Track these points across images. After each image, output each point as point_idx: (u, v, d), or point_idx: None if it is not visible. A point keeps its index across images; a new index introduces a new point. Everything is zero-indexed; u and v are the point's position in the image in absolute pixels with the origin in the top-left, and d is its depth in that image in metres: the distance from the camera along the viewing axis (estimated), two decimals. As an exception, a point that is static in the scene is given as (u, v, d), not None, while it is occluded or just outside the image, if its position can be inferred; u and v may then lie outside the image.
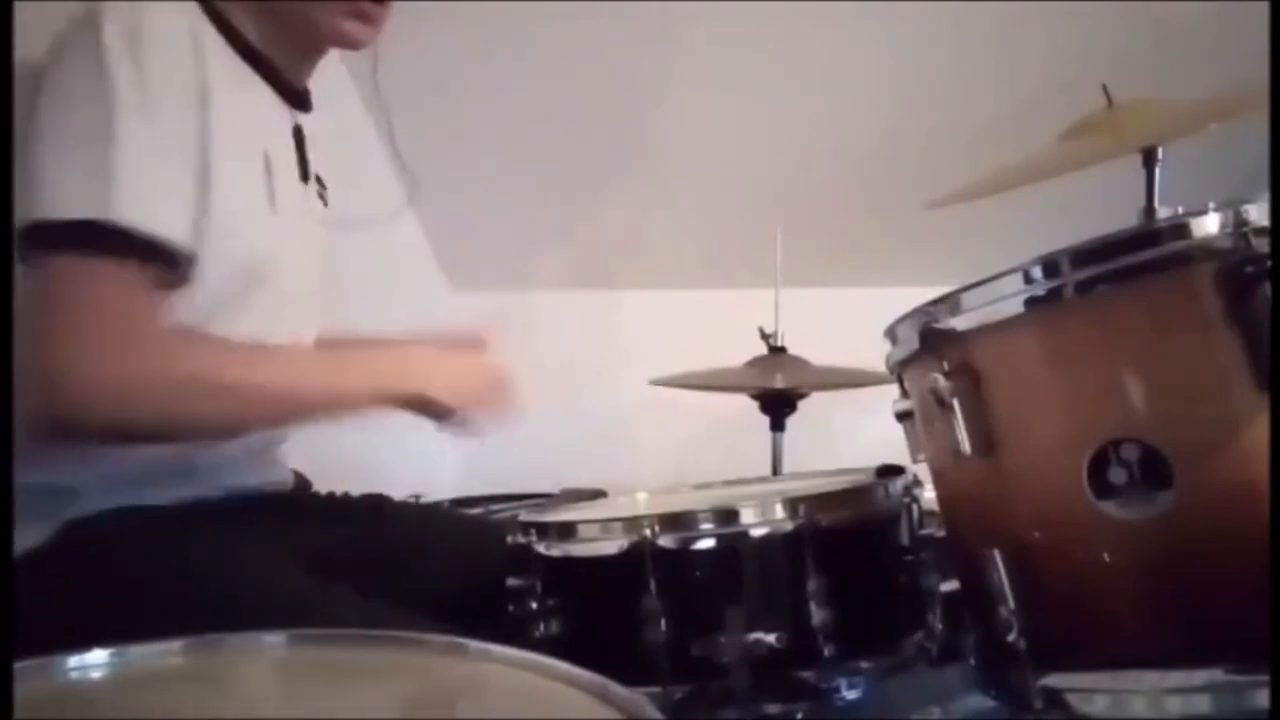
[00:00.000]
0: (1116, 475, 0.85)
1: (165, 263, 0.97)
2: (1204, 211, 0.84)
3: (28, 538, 1.00)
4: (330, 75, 1.25)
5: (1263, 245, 0.81)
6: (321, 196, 1.25)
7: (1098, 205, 1.34)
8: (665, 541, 1.02)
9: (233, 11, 1.09)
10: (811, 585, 1.00)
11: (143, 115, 0.96)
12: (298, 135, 1.11)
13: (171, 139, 0.98)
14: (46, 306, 0.93)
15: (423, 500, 1.79)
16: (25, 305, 0.94)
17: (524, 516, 1.16)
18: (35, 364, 0.91)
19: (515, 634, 1.05)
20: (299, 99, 1.19)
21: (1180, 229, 0.85)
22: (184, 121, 0.99)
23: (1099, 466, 0.86)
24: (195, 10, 1.06)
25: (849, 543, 1.06)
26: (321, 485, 1.33)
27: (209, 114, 1.01)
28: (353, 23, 1.10)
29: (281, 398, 1.03)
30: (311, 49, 1.17)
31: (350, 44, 1.13)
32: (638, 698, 0.56)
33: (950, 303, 0.94)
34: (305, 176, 1.13)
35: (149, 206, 0.95)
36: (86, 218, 0.92)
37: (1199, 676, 0.83)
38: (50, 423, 0.93)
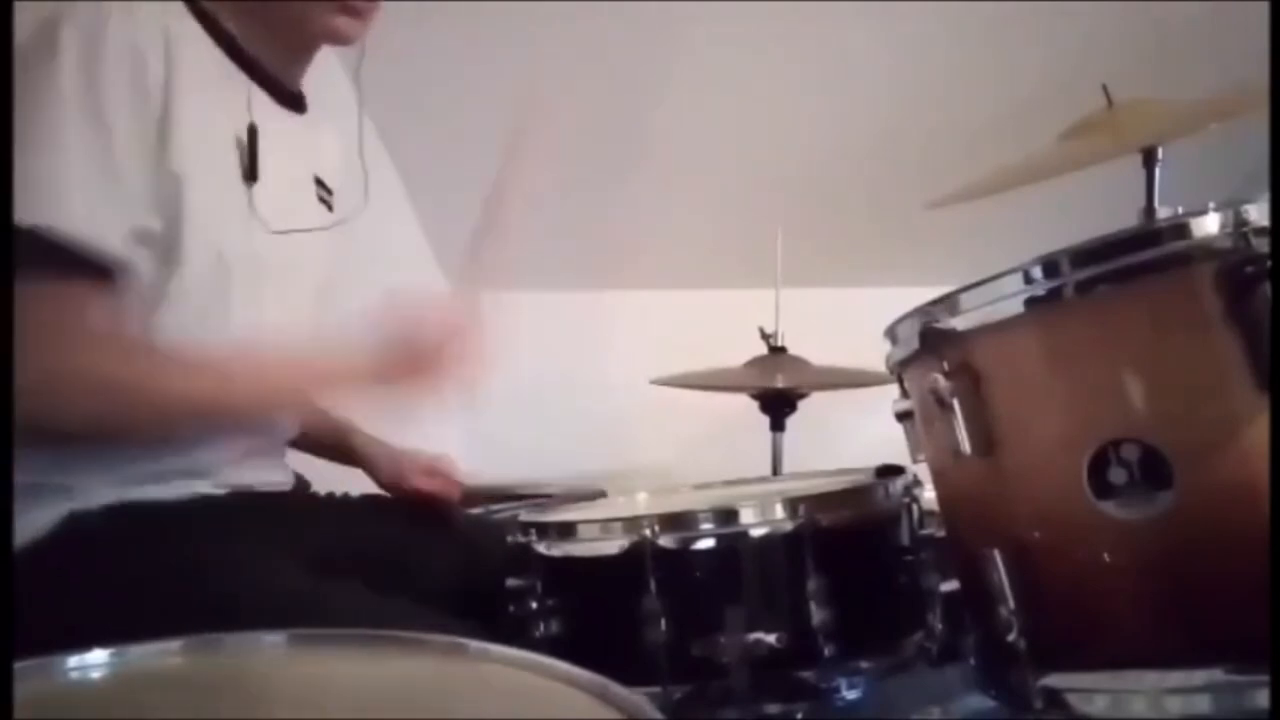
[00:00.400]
0: (1116, 475, 0.85)
1: (97, 271, 0.97)
2: (1204, 211, 0.84)
3: (25, 533, 1.00)
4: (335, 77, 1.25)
5: (1263, 245, 0.81)
6: (325, 201, 1.24)
7: (1098, 205, 1.34)
8: (665, 541, 1.02)
9: (220, 11, 1.09)
10: (811, 585, 1.00)
11: (89, 121, 0.96)
12: (251, 134, 1.10)
13: (123, 146, 0.98)
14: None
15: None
16: None
17: (524, 516, 1.16)
18: None
19: (515, 634, 1.05)
20: (293, 101, 1.18)
21: (1180, 229, 0.85)
22: (140, 128, 0.99)
23: (1099, 466, 0.86)
24: (179, 11, 1.06)
25: (849, 543, 1.06)
26: (321, 485, 1.33)
27: (173, 120, 1.00)
28: (342, 18, 1.10)
29: (183, 405, 1.03)
30: (301, 47, 1.17)
31: (340, 40, 1.13)
32: (638, 698, 0.56)
33: (950, 303, 0.94)
34: (252, 178, 1.12)
35: (84, 214, 0.95)
36: (20, 224, 0.93)
37: (1199, 676, 0.83)
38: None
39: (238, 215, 1.07)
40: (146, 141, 0.99)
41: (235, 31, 1.10)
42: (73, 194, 0.96)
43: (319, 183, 1.23)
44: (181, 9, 1.07)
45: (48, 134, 0.95)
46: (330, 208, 1.24)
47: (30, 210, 0.94)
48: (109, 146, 0.97)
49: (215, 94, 1.07)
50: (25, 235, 0.93)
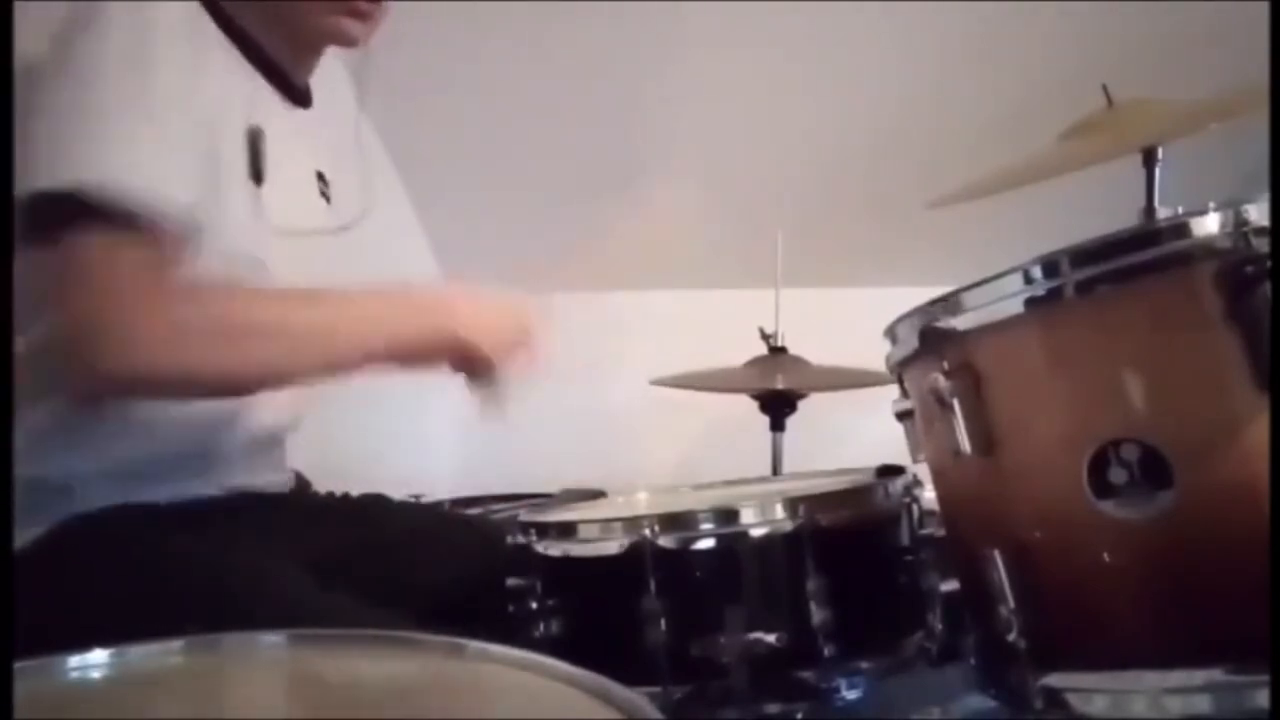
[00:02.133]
0: (1116, 475, 0.85)
1: (171, 236, 0.97)
2: (1204, 211, 0.84)
3: (25, 533, 1.00)
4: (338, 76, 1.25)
5: (1263, 245, 0.81)
6: (325, 195, 1.24)
7: (1098, 205, 1.34)
8: (665, 541, 1.02)
9: (233, 7, 1.09)
10: (811, 585, 1.00)
11: (150, 96, 0.97)
12: (257, 135, 1.10)
13: (177, 122, 0.99)
14: (78, 274, 0.93)
15: (423, 500, 1.79)
16: (47, 280, 0.95)
17: (524, 516, 1.16)
18: (77, 332, 0.92)
19: (515, 634, 1.05)
20: (299, 96, 1.19)
21: (1180, 229, 0.85)
22: (187, 107, 1.00)
23: (1099, 466, 0.86)
24: (197, 8, 1.07)
25: (849, 543, 1.06)
26: (321, 485, 1.33)
27: (206, 104, 1.01)
28: (348, 20, 1.11)
29: (327, 337, 1.02)
30: (308, 46, 1.17)
31: (346, 41, 1.13)
32: (638, 698, 0.56)
33: (950, 303, 0.94)
34: (259, 178, 1.12)
35: (162, 181, 0.96)
36: (106, 187, 0.92)
37: (1199, 676, 0.83)
38: (110, 383, 0.93)
39: (244, 212, 1.08)
40: (192, 120, 1.00)
41: (249, 27, 1.10)
42: (151, 158, 0.95)
43: (320, 177, 1.23)
44: (197, 6, 1.07)
45: (120, 99, 0.95)
46: (329, 200, 1.24)
47: (105, 171, 0.93)
48: (170, 120, 0.98)
49: (227, 87, 1.07)
50: (102, 197, 0.92)
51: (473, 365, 1.08)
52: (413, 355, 1.08)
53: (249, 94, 1.09)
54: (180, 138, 0.98)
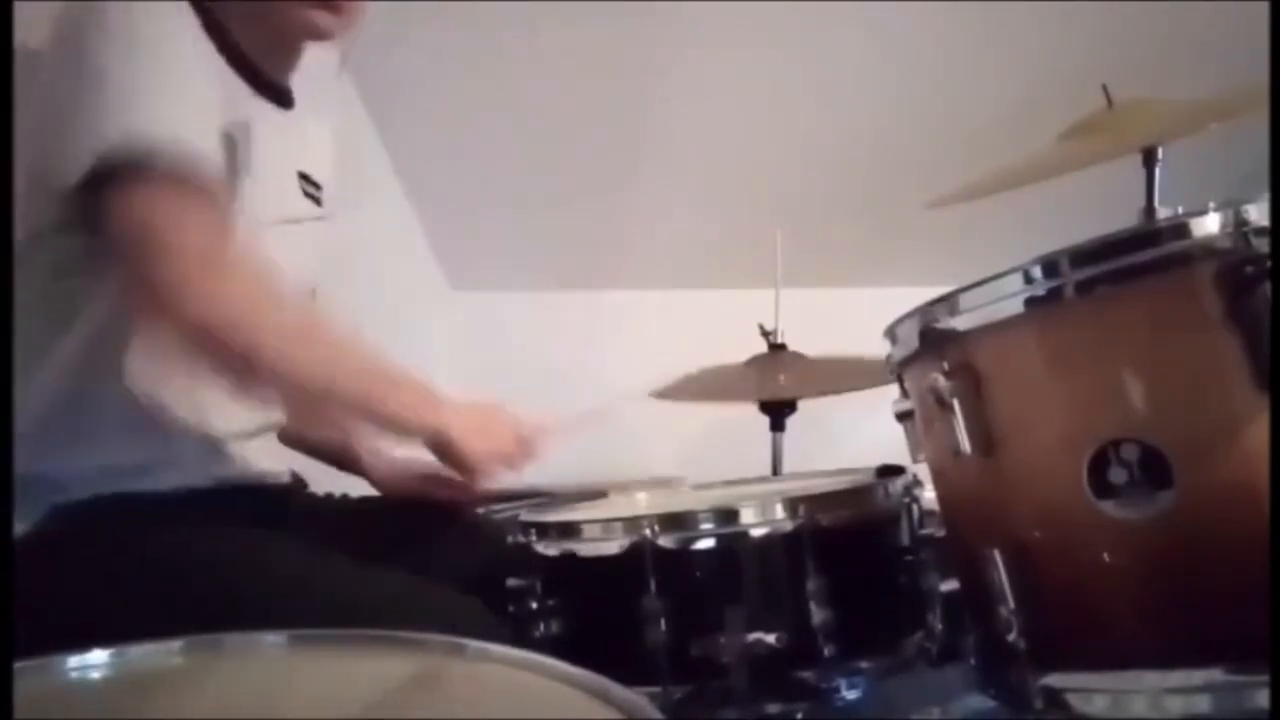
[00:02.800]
0: (1116, 475, 0.85)
1: (219, 194, 1.00)
2: (1204, 211, 0.84)
3: (15, 526, 1.00)
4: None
5: (1263, 245, 0.81)
6: (312, 196, 1.24)
7: (1098, 205, 1.34)
8: (665, 541, 1.02)
9: (217, 8, 1.10)
10: (811, 585, 1.00)
11: (172, 65, 0.99)
12: (242, 130, 1.11)
13: (197, 90, 1.01)
14: (148, 237, 0.95)
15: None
16: (111, 250, 0.97)
17: (524, 516, 1.16)
18: (157, 290, 0.94)
19: (515, 634, 1.05)
20: (279, 96, 1.19)
21: (1180, 229, 0.85)
22: (201, 82, 1.02)
23: (1099, 466, 0.86)
24: (186, 9, 1.07)
25: (849, 543, 1.06)
26: (320, 487, 1.33)
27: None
28: (320, 13, 1.11)
29: (333, 374, 1.04)
30: (283, 42, 1.17)
31: (319, 35, 1.13)
32: (638, 698, 0.56)
33: (950, 303, 0.94)
34: (291, 175, 1.13)
35: (202, 140, 0.98)
36: (155, 148, 0.94)
37: (1199, 676, 0.83)
38: (195, 332, 0.96)
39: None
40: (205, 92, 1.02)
41: (232, 28, 1.10)
42: (179, 123, 0.97)
43: (305, 178, 1.23)
44: (186, 7, 1.07)
45: (140, 67, 0.97)
46: (318, 203, 1.24)
47: (163, 126, 0.95)
48: (186, 85, 1.00)
49: (208, 84, 1.07)
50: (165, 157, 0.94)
51: (452, 461, 1.12)
52: (392, 430, 1.13)
53: (231, 91, 1.10)
54: (204, 104, 1.01)
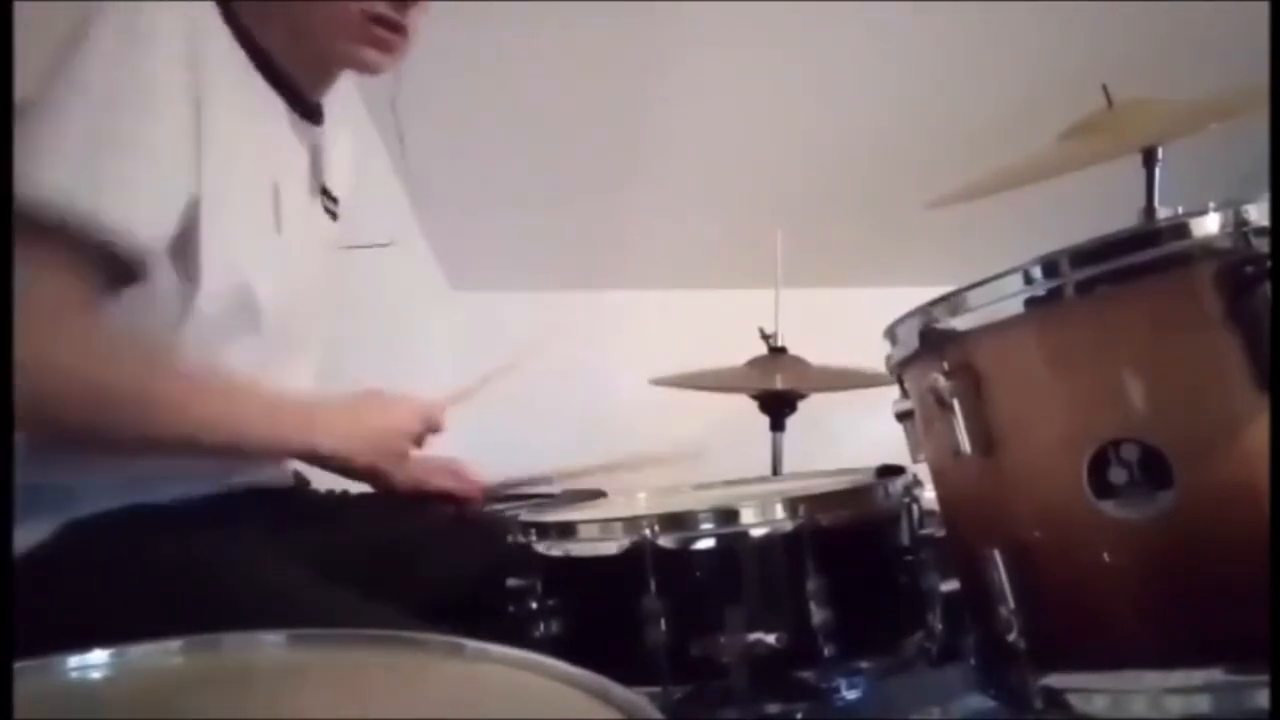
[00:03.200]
0: (1116, 475, 0.85)
1: (119, 262, 0.96)
2: (1204, 211, 0.84)
3: (27, 537, 1.00)
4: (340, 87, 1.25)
5: (1263, 245, 0.81)
6: (330, 211, 1.24)
7: (1098, 205, 1.34)
8: (665, 541, 1.02)
9: (253, 19, 1.09)
10: (811, 585, 1.00)
11: (128, 112, 0.95)
12: (314, 151, 1.11)
13: (158, 141, 0.97)
14: (17, 292, 0.91)
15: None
16: None
17: (524, 516, 1.16)
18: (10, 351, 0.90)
19: (515, 634, 1.05)
20: (311, 112, 1.19)
21: (1180, 229, 0.85)
22: (173, 127, 0.98)
23: (1099, 466, 0.86)
24: (209, 10, 1.06)
25: (849, 543, 1.06)
26: (321, 484, 1.33)
27: (203, 125, 0.99)
28: (371, 51, 1.10)
29: (185, 427, 1.01)
30: (328, 70, 1.17)
31: (368, 70, 1.13)
32: (638, 698, 0.56)
33: (950, 303, 0.94)
34: (316, 191, 1.13)
35: (112, 203, 0.94)
36: (40, 202, 0.91)
37: (1199, 676, 0.83)
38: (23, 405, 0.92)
39: (262, 235, 1.08)
40: (179, 140, 0.98)
41: (265, 41, 1.10)
42: (109, 184, 0.94)
43: (325, 193, 1.23)
44: (211, 8, 1.06)
45: (81, 121, 0.94)
46: (335, 217, 1.25)
47: (60, 193, 0.92)
48: (151, 139, 0.96)
49: (242, 103, 1.06)
50: (53, 216, 0.91)
51: (340, 471, 1.14)
52: (265, 458, 1.12)
53: (259, 110, 1.09)
54: (160, 167, 0.97)
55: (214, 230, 1.01)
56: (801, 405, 2.06)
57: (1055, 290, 0.87)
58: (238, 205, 1.05)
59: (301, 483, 1.30)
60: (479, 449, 1.26)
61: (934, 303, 0.95)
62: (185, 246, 1.00)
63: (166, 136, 0.98)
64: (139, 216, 0.96)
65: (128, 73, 0.95)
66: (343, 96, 1.28)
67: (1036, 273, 0.88)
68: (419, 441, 1.20)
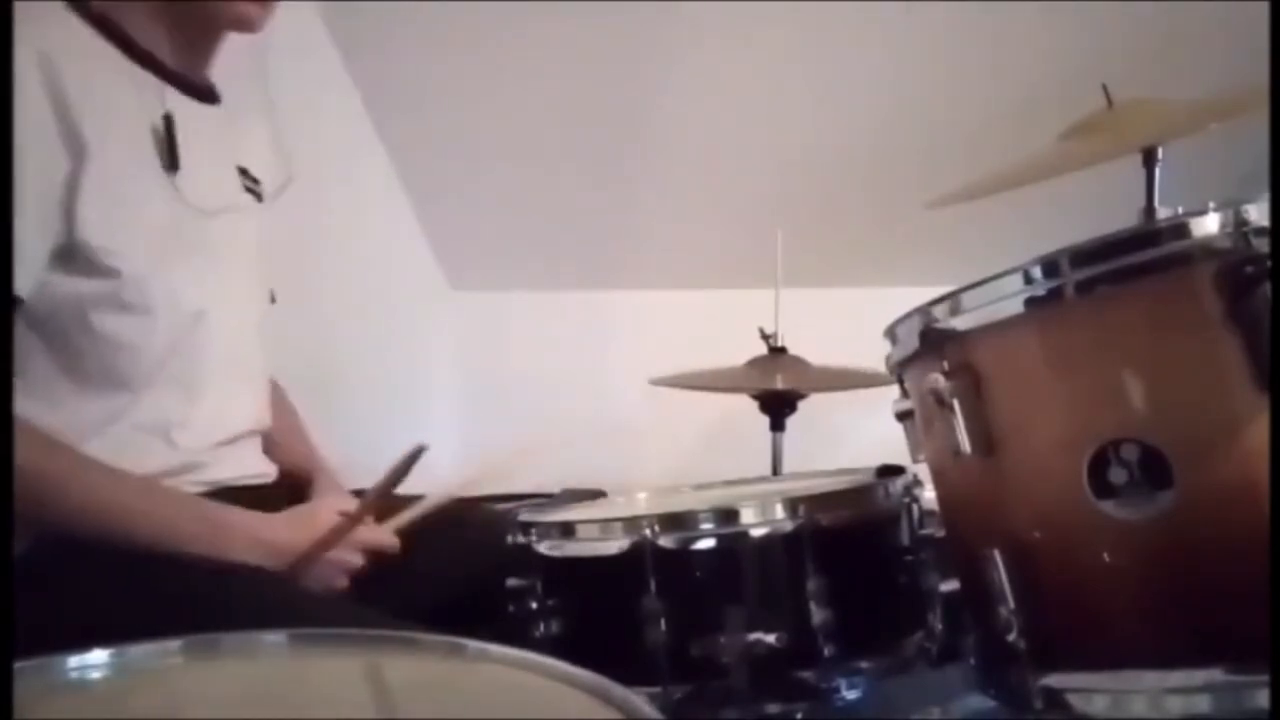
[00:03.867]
0: (1116, 475, 0.85)
1: None
2: (1204, 211, 0.84)
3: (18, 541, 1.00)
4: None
5: (1263, 245, 0.81)
6: (252, 190, 1.24)
7: (1098, 205, 1.34)
8: (665, 541, 1.02)
9: (113, 11, 1.09)
10: (811, 585, 1.00)
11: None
12: (167, 122, 1.10)
13: (26, 180, 0.98)
14: None
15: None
16: None
17: (524, 516, 1.16)
18: None
19: (515, 634, 1.05)
20: (204, 93, 1.19)
21: (1180, 229, 0.85)
22: (39, 146, 0.99)
23: (1099, 466, 0.86)
24: (63, 16, 1.06)
25: (849, 543, 1.06)
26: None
27: (78, 127, 1.00)
28: (247, 4, 1.10)
29: (101, 514, 1.02)
30: (205, 37, 1.17)
31: (246, 27, 1.13)
32: (637, 698, 0.56)
33: (951, 303, 0.94)
34: (173, 166, 1.10)
35: None
36: None
37: (1199, 676, 0.83)
38: None
39: (165, 200, 1.08)
40: (50, 158, 0.99)
41: (131, 28, 1.10)
42: None
43: (243, 173, 1.23)
44: (65, 14, 1.06)
45: None
46: (259, 197, 1.25)
47: None
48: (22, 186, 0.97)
49: (118, 89, 1.07)
50: None
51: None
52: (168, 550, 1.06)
53: (140, 93, 1.09)
54: (31, 192, 0.98)
55: (121, 216, 1.02)
56: (801, 405, 2.05)
57: (1055, 290, 0.87)
58: (141, 185, 1.06)
59: (301, 484, 1.29)
60: (479, 449, 1.26)
61: (934, 303, 0.95)
62: (89, 242, 1.01)
63: (30, 185, 0.98)
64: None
65: None
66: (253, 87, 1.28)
67: (1036, 273, 0.88)
68: (361, 572, 1.13)
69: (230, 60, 1.22)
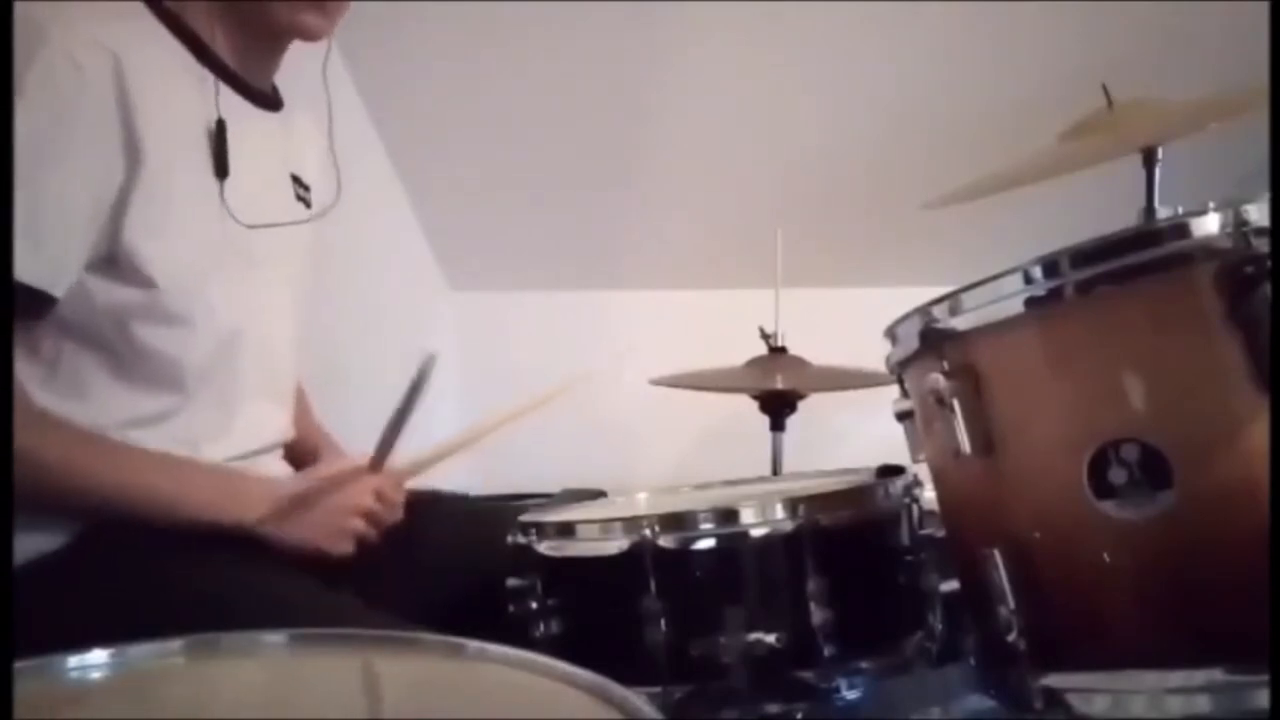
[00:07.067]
0: (1116, 475, 0.85)
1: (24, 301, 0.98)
2: (1204, 211, 0.84)
3: (41, 543, 1.01)
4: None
5: (1263, 245, 0.81)
6: (303, 199, 1.24)
7: (1098, 205, 1.34)
8: (665, 541, 1.02)
9: (184, 10, 1.09)
10: (811, 585, 1.00)
11: (47, 163, 0.96)
12: (220, 127, 1.09)
13: (74, 194, 0.98)
14: None
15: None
16: None
17: (524, 516, 1.16)
18: None
19: (515, 634, 1.05)
20: (264, 99, 1.18)
21: (1180, 229, 0.85)
22: (95, 177, 0.99)
23: (1099, 466, 0.86)
24: (138, 10, 1.06)
25: (849, 543, 1.06)
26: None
27: (135, 126, 1.00)
28: (309, 15, 1.10)
29: (103, 492, 1.02)
30: (269, 43, 1.17)
31: (308, 35, 1.13)
32: (637, 697, 0.56)
33: (950, 303, 0.94)
34: (223, 173, 1.10)
35: (17, 254, 0.95)
36: None
37: (1199, 676, 0.83)
38: None
39: (211, 210, 1.08)
40: (108, 164, 0.99)
41: (200, 31, 1.10)
42: (17, 234, 0.94)
43: (296, 180, 1.23)
44: (140, 8, 1.07)
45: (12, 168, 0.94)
46: (309, 205, 1.25)
47: None
48: (72, 185, 0.97)
49: (179, 93, 1.07)
50: None
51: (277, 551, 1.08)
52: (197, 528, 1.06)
53: (198, 95, 1.09)
54: (70, 222, 0.98)
55: (165, 219, 1.02)
56: (801, 405, 2.05)
57: (1055, 290, 0.87)
58: (187, 189, 1.05)
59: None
60: (478, 449, 1.26)
61: (934, 303, 0.95)
62: (127, 248, 1.01)
63: (84, 189, 0.98)
64: (39, 271, 0.97)
65: (49, 123, 0.96)
66: (338, 94, 1.28)
67: (1036, 273, 0.88)
68: (376, 521, 1.13)
69: (295, 66, 1.21)
